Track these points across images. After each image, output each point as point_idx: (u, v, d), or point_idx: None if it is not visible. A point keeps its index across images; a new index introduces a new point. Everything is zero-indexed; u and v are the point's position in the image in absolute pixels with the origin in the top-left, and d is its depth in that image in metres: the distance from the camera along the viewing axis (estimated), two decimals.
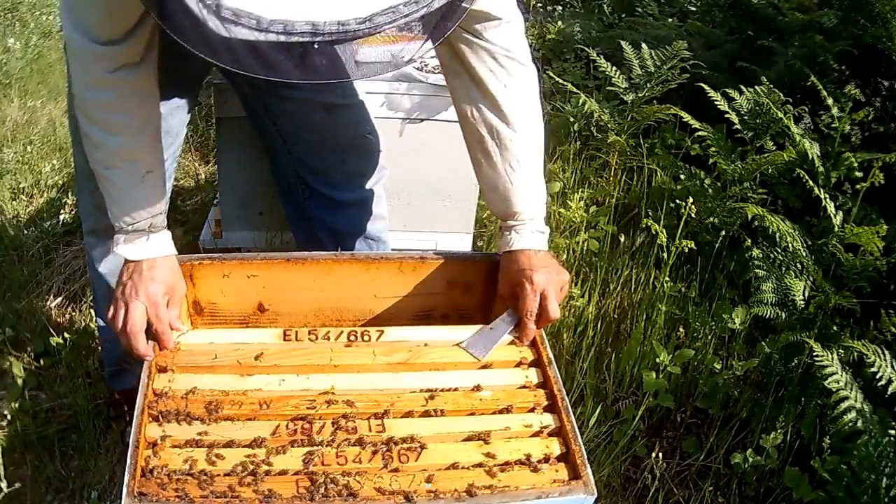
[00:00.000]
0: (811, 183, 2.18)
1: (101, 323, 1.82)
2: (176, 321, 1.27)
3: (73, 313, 2.35)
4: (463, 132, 1.36)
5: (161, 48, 1.23)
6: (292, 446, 1.09)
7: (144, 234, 1.29)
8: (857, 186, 2.09)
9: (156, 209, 1.30)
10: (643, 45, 3.06)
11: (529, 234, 1.35)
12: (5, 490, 1.22)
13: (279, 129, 1.68)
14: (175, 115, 1.55)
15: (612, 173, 2.93)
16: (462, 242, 2.25)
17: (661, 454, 1.81)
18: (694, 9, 3.75)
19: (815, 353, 1.71)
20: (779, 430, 1.82)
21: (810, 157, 2.29)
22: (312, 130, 1.65)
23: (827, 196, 2.13)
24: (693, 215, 2.06)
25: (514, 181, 1.33)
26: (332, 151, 1.69)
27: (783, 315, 2.03)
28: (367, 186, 1.75)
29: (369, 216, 1.79)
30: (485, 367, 1.28)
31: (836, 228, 2.08)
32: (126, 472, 1.00)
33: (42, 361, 2.12)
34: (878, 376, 1.65)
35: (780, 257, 2.14)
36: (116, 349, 1.70)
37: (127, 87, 1.20)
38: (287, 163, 1.74)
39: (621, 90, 3.03)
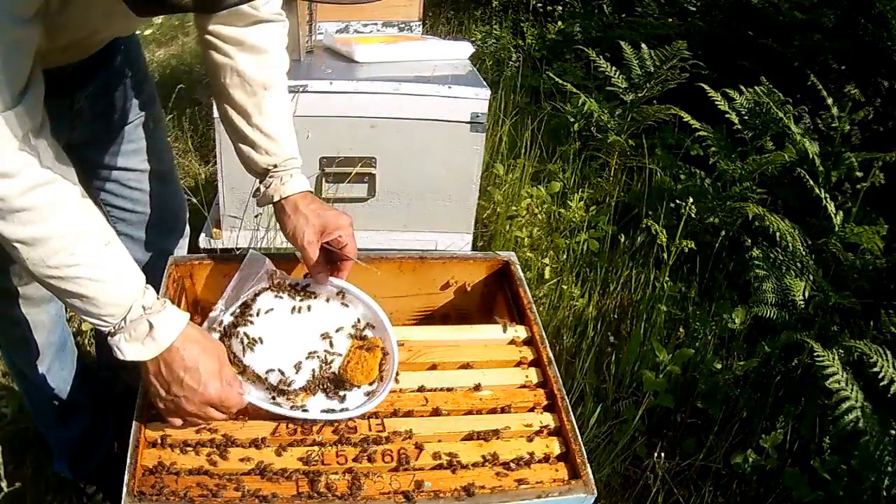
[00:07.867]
0: (811, 183, 2.19)
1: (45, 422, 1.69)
2: (236, 380, 1.12)
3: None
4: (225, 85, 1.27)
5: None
6: (292, 446, 1.09)
7: (143, 321, 1.02)
8: (858, 186, 2.10)
9: (138, 281, 1.04)
10: (643, 45, 3.06)
11: (301, 176, 1.31)
12: (5, 490, 1.22)
13: (110, 212, 1.56)
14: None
15: (612, 173, 2.93)
16: (462, 242, 2.25)
17: (661, 454, 1.81)
18: (694, 9, 3.75)
19: (815, 353, 1.71)
20: (779, 430, 1.82)
21: (810, 156, 2.30)
22: (145, 204, 1.58)
23: (827, 196, 2.14)
24: (693, 215, 2.06)
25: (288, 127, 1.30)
26: (160, 223, 1.61)
27: (783, 315, 2.03)
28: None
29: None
30: (485, 366, 1.28)
31: (837, 228, 2.08)
32: (126, 472, 1.00)
33: None
34: (880, 375, 1.65)
35: (780, 257, 2.14)
36: (71, 433, 1.64)
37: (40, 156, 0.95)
38: None
39: (621, 90, 3.03)
